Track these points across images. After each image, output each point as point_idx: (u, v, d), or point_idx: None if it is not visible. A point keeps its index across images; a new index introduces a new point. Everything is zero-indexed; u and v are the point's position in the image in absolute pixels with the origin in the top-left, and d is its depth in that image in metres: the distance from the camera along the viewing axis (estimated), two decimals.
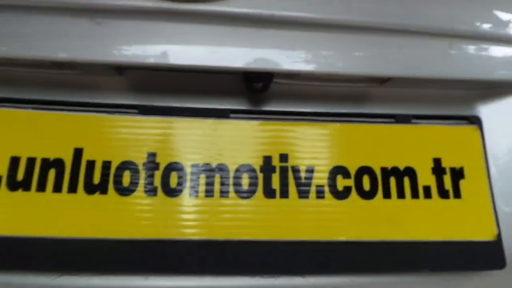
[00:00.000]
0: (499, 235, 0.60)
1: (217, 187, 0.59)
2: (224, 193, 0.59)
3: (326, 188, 0.60)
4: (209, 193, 0.59)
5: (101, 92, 0.63)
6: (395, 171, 0.61)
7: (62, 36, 0.55)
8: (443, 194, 0.61)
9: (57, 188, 0.56)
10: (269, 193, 0.59)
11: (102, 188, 0.57)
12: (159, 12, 0.56)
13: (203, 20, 0.57)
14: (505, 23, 0.63)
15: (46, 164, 0.57)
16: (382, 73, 0.59)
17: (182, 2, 0.56)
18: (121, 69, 0.63)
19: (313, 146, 0.62)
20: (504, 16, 0.63)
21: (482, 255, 0.59)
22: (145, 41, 0.56)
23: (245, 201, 0.59)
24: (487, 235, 0.60)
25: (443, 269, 0.59)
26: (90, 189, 0.57)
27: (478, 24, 0.61)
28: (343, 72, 0.58)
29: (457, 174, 0.62)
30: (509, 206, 0.62)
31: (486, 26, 0.62)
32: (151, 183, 0.58)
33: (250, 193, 0.59)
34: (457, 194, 0.61)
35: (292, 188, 0.60)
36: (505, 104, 0.66)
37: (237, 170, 0.60)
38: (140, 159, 0.59)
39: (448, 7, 0.61)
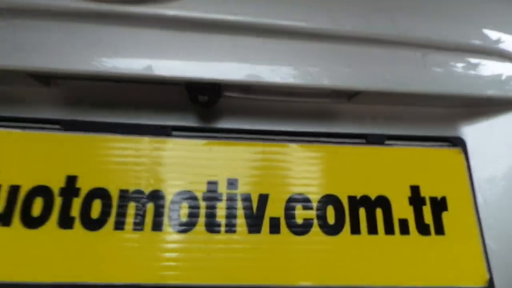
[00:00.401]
0: (491, 281, 0.49)
1: (149, 219, 0.48)
2: (157, 227, 0.48)
3: (282, 221, 0.50)
4: (138, 226, 0.48)
5: (23, 105, 0.54)
6: (365, 201, 0.52)
7: None
8: (423, 229, 0.51)
9: None
10: (213, 226, 0.49)
11: (5, 219, 0.46)
12: (86, 14, 0.48)
13: (139, 23, 0.49)
14: (487, 34, 0.55)
15: None
16: (347, 86, 0.51)
17: (112, 3, 0.48)
18: (47, 80, 0.54)
19: (268, 170, 0.52)
20: (485, 25, 0.56)
21: None
22: (70, 46, 0.47)
23: (182, 236, 0.48)
24: (476, 281, 0.49)
25: None
26: None
27: (456, 34, 0.54)
28: (302, 84, 0.50)
29: (439, 205, 0.52)
30: (502, 243, 0.52)
31: (465, 36, 0.54)
32: (68, 213, 0.48)
33: (189, 226, 0.49)
34: (440, 230, 0.51)
35: (241, 221, 0.49)
36: (491, 123, 0.58)
37: (175, 199, 0.50)
38: (56, 183, 0.48)
39: (422, 15, 0.54)
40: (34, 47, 0.47)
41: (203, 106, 0.53)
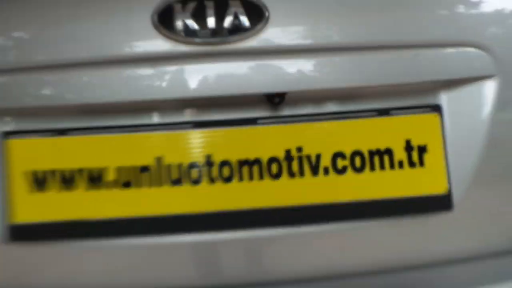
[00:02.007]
0: (449, 189, 0.87)
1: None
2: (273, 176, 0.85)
3: (330, 168, 0.86)
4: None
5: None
6: (378, 152, 0.87)
7: None
8: (413, 164, 0.87)
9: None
10: (291, 174, 0.86)
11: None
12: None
13: (227, 57, 0.80)
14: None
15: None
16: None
17: (213, 45, 0.78)
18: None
19: (321, 139, 0.87)
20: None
21: (435, 205, 0.87)
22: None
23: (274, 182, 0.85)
24: (440, 190, 0.87)
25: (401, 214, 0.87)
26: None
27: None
28: (339, 86, 0.82)
29: (423, 150, 0.88)
30: (459, 169, 0.88)
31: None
32: None
33: (277, 176, 0.85)
34: (422, 164, 0.87)
35: (307, 170, 0.86)
36: (464, 91, 0.89)
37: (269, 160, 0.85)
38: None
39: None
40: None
41: (275, 104, 0.86)
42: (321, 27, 0.83)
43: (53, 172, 0.82)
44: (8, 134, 0.83)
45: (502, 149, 0.90)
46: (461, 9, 0.89)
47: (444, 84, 0.89)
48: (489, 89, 0.88)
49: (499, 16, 0.88)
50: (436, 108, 0.89)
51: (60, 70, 0.79)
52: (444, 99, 0.90)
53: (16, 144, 0.83)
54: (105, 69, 0.80)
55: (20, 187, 0.82)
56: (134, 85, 0.80)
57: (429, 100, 0.90)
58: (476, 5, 0.90)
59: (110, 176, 0.82)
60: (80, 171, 0.82)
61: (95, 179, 0.81)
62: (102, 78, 0.79)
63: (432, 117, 0.88)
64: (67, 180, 0.82)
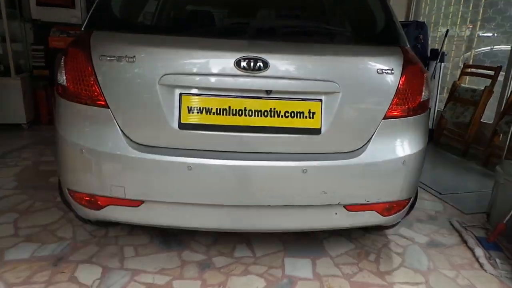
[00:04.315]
0: (321, 127, 2.71)
1: None
2: (260, 115, 2.64)
3: (283, 115, 2.65)
4: None
5: None
6: (300, 112, 2.67)
7: None
8: (310, 117, 2.69)
9: None
10: (266, 115, 2.64)
11: None
12: None
13: (255, 77, 2.55)
14: None
15: None
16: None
17: None
18: None
19: (282, 105, 2.65)
20: None
21: (315, 131, 2.71)
22: None
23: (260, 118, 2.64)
24: (317, 126, 2.71)
25: (303, 133, 2.70)
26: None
27: None
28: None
29: (314, 113, 2.69)
30: (325, 121, 2.72)
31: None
32: None
33: (261, 115, 2.64)
34: (313, 117, 2.69)
35: (275, 115, 2.65)
36: (330, 95, 2.69)
37: (260, 110, 2.63)
38: None
39: None
40: None
41: (268, 92, 2.62)
42: (289, 69, 2.58)
43: (194, 107, 2.58)
44: (181, 94, 2.57)
45: (341, 117, 2.73)
46: (330, 67, 2.67)
47: (324, 93, 2.70)
48: (338, 96, 2.70)
49: (341, 70, 2.67)
50: (320, 100, 2.70)
51: (201, 76, 2.53)
52: (324, 97, 2.71)
53: (184, 97, 2.57)
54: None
55: (184, 111, 2.58)
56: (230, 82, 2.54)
57: (318, 97, 2.70)
58: (334, 66, 2.69)
59: (215, 110, 2.59)
60: (205, 108, 2.58)
61: (210, 111, 2.58)
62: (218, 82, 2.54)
63: (319, 103, 2.69)
64: (199, 110, 2.59)
